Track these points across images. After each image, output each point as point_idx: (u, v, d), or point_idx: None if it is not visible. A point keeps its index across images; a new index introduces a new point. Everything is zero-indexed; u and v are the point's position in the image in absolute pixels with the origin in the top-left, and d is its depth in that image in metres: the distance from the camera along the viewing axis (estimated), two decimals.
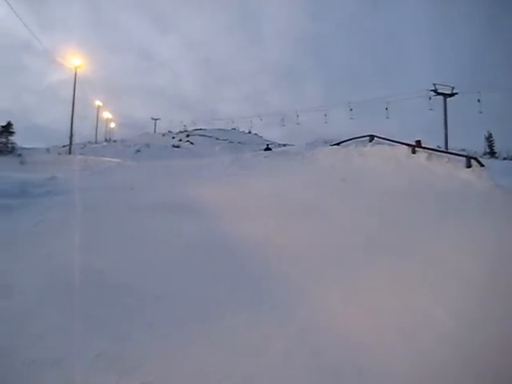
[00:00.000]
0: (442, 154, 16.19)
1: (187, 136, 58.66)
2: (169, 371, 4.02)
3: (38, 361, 4.00)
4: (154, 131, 67.78)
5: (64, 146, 37.20)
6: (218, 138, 58.16)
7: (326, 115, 35.57)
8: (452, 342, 4.63)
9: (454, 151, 17.83)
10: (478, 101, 30.23)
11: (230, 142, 54.72)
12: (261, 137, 65.54)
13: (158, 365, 4.11)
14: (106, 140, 57.68)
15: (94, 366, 4.01)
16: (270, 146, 33.45)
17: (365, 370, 4.14)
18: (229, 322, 5.05)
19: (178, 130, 66.16)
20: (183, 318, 5.10)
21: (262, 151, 26.03)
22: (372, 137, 18.85)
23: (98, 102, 58.48)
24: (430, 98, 32.07)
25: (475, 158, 14.73)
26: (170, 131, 65.44)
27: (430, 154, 15.43)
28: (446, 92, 31.96)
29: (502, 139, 46.42)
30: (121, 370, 3.96)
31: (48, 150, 36.23)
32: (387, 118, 33.07)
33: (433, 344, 4.61)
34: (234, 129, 62.67)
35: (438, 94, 31.92)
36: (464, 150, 28.43)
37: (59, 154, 31.49)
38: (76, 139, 37.74)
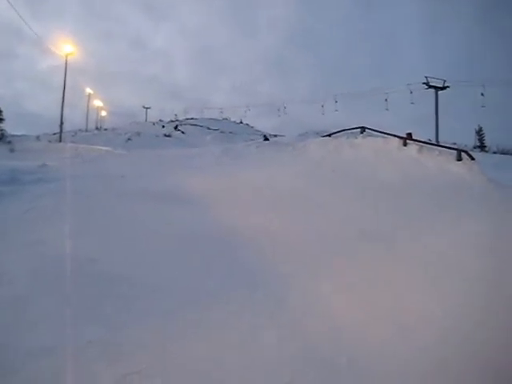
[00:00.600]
0: (433, 146, 16.28)
1: (178, 126, 58.45)
2: (160, 360, 4.02)
3: (29, 350, 3.99)
4: (145, 120, 67.53)
5: (55, 134, 36.93)
6: (209, 128, 58.01)
7: (323, 106, 35.78)
8: (450, 337, 4.65)
9: (444, 144, 17.92)
10: (482, 94, 30.14)
11: (222, 131, 54.59)
12: (252, 127, 65.60)
13: (149, 353, 4.11)
14: (96, 128, 57.39)
15: (85, 354, 4.01)
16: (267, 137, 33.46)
17: (357, 363, 4.15)
18: (221, 312, 5.06)
19: (169, 119, 66.05)
20: (175, 308, 5.09)
21: (254, 141, 25.97)
22: (363, 128, 18.88)
23: (88, 90, 58.13)
24: (411, 92, 32.38)
25: (466, 152, 14.80)
26: (160, 120, 65.26)
27: (421, 146, 15.49)
28: (438, 85, 32.06)
29: (492, 133, 46.77)
30: (111, 358, 3.97)
31: (38, 137, 35.96)
32: (387, 109, 33.28)
33: (429, 337, 4.63)
34: (226, 119, 62.77)
35: (430, 86, 32.04)
36: (455, 143, 28.58)
37: (50, 141, 31.21)
38: (67, 127, 37.60)
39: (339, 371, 4.03)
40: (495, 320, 4.90)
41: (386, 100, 33.02)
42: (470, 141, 43.90)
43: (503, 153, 33.83)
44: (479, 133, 47.19)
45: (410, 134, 16.53)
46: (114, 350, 4.14)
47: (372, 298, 5.49)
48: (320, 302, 5.42)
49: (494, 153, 34.96)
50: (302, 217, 9.23)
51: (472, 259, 6.39)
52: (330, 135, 20.27)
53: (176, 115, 68.02)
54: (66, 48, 34.99)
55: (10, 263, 6.08)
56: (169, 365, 3.98)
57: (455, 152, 14.59)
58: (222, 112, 55.15)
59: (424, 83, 31.97)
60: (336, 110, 35.96)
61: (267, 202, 10.53)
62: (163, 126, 57.54)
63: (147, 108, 70.06)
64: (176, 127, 55.15)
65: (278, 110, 40.70)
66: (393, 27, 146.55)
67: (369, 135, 18.05)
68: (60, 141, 31.99)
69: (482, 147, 43.05)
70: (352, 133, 19.14)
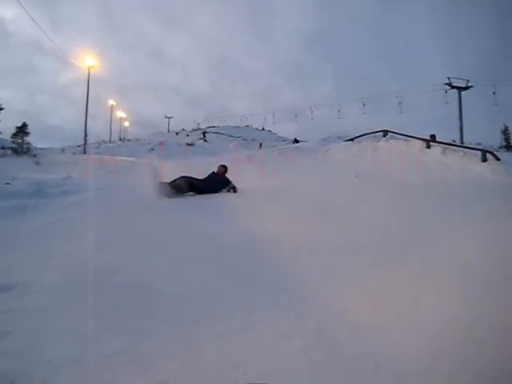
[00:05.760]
0: (457, 148, 16.05)
1: (204, 133, 59.04)
2: (185, 368, 4.00)
3: (54, 360, 4.01)
4: (168, 130, 68.37)
5: (79, 146, 37.76)
6: (231, 136, 58.53)
7: (339, 111, 35.78)
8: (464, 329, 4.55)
9: (469, 145, 17.70)
10: None
11: (244, 139, 54.96)
12: (274, 133, 65.89)
13: (174, 362, 4.09)
14: (120, 139, 58.23)
15: (110, 363, 4.01)
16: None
17: (384, 366, 4.07)
18: (246, 320, 5.01)
19: (191, 128, 66.73)
20: (199, 317, 5.07)
21: (276, 148, 26.06)
22: (386, 132, 18.77)
23: (111, 102, 59.19)
24: (440, 92, 31.63)
25: (491, 152, 14.53)
26: (183, 129, 66.04)
27: (445, 148, 15.32)
28: (461, 85, 31.67)
29: None
30: (137, 368, 3.96)
31: (63, 149, 36.77)
32: (400, 112, 33.10)
33: (452, 337, 4.53)
34: (248, 126, 63.21)
35: (453, 87, 31.67)
36: (480, 143, 28.20)
37: (74, 153, 31.83)
38: (91, 139, 38.48)
39: (367, 375, 3.96)
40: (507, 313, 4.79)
41: (399, 104, 32.81)
42: (496, 141, 43.32)
43: None
44: (505, 132, 46.43)
45: (433, 136, 16.34)
46: (140, 359, 4.14)
47: (397, 307, 5.35)
48: (344, 309, 5.35)
49: None
50: (326, 223, 9.14)
51: (493, 261, 6.25)
52: (352, 139, 20.19)
53: (198, 124, 68.81)
54: (87, 61, 35.63)
55: (37, 274, 6.16)
56: (195, 373, 3.96)
57: (480, 153, 14.36)
58: (246, 118, 55.55)
59: (446, 84, 31.63)
60: (364, 113, 35.93)
61: (291, 208, 10.50)
62: (177, 134, 58.48)
63: (169, 118, 70.92)
64: (204, 134, 55.90)
65: (296, 115, 40.94)
66: (411, 26, 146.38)
67: (392, 138, 17.94)
68: (84, 153, 32.54)
69: (508, 147, 42.39)
70: (375, 136, 19.06)
